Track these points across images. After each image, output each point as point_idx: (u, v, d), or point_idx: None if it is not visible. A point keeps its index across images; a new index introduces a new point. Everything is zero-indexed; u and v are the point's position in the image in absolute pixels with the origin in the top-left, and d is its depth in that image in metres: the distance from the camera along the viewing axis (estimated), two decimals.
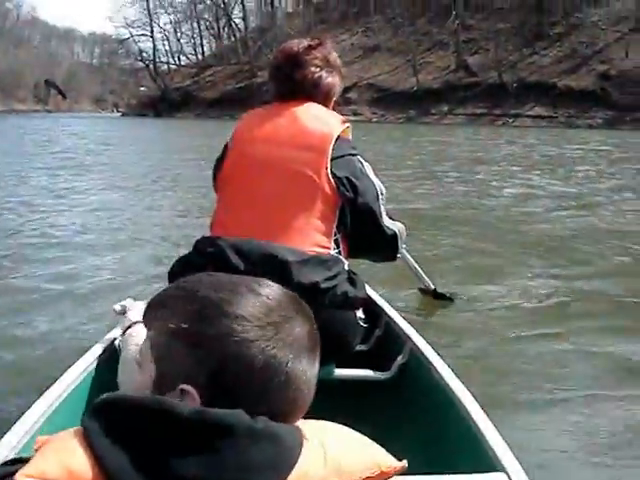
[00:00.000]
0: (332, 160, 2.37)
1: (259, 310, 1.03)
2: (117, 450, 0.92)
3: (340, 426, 1.12)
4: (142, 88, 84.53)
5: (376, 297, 3.09)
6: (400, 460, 1.12)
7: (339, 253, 2.47)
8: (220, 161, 2.57)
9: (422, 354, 2.51)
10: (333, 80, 2.56)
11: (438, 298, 4.94)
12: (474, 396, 2.14)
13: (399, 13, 60.60)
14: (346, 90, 55.07)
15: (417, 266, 4.09)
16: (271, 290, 1.07)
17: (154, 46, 78.76)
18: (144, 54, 78.09)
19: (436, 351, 2.52)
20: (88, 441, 0.94)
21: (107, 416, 0.96)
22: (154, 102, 70.61)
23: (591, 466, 3.11)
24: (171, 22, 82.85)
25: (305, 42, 2.54)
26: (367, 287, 2.99)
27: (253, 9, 75.30)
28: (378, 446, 1.13)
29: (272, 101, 2.60)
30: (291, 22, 66.44)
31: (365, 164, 2.52)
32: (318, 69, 2.50)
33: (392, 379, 2.59)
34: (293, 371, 1.01)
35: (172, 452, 0.93)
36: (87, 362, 2.26)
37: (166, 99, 68.28)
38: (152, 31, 79.19)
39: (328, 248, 2.42)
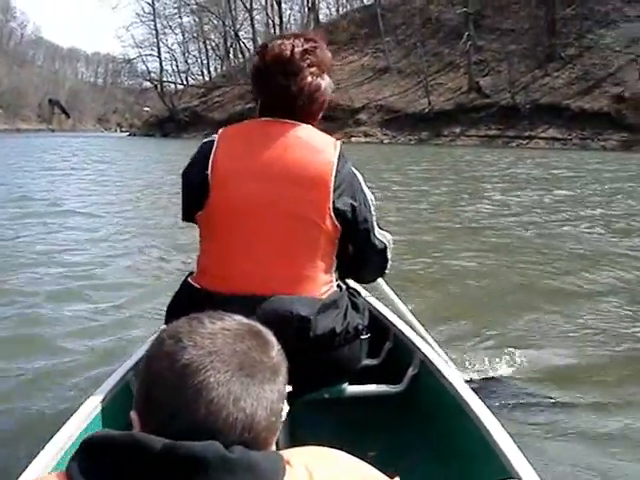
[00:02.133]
0: (334, 191, 2.20)
1: (184, 328, 1.05)
2: None
3: (331, 450, 1.13)
4: (146, 108, 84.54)
5: (382, 308, 3.05)
6: (394, 475, 1.14)
7: (337, 280, 2.40)
8: (195, 193, 2.25)
9: (432, 364, 2.51)
10: (328, 87, 2.37)
11: None
12: (487, 405, 2.15)
13: (409, 34, 60.42)
14: (356, 111, 55.07)
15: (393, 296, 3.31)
16: (223, 317, 1.09)
17: (161, 66, 78.76)
18: (152, 74, 78.00)
19: (446, 361, 2.58)
20: None
21: (88, 456, 0.96)
22: (161, 122, 70.46)
23: (605, 471, 3.12)
24: (178, 42, 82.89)
25: (299, 42, 2.28)
26: (373, 299, 3.11)
27: (261, 30, 75.20)
28: (370, 467, 1.13)
29: (257, 114, 2.36)
30: None
31: (359, 176, 2.35)
32: (316, 76, 2.30)
33: (404, 392, 2.58)
34: (206, 382, 0.99)
35: None
36: (99, 399, 2.20)
37: (174, 119, 68.09)
38: (159, 51, 79.21)
39: (332, 281, 2.33)
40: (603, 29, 51.16)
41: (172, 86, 79.49)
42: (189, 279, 2.38)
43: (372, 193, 2.40)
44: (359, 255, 2.43)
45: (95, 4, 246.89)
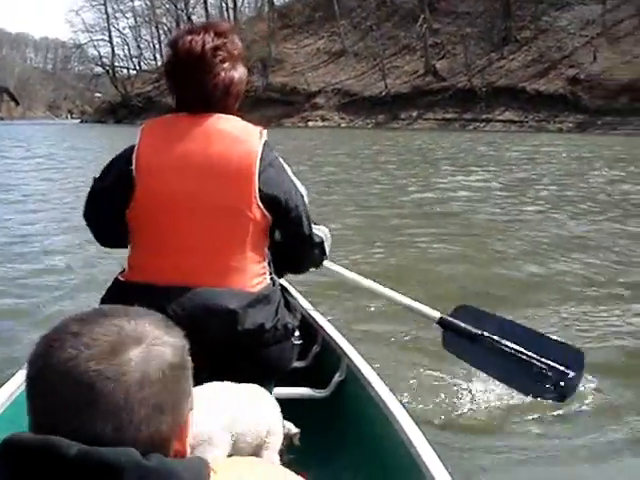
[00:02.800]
0: (259, 178, 2.20)
1: (55, 327, 1.00)
2: None
3: (254, 459, 1.15)
4: (97, 94, 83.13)
5: (312, 311, 3.06)
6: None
7: (271, 273, 2.39)
8: (118, 190, 2.24)
9: (359, 371, 2.52)
10: (242, 77, 2.35)
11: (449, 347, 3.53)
12: (410, 414, 2.16)
13: (365, 17, 60.04)
14: (313, 95, 54.61)
15: (347, 271, 3.21)
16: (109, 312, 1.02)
17: (112, 51, 77.34)
18: (104, 59, 76.49)
19: (373, 367, 2.55)
20: None
21: (3, 458, 0.94)
22: (113, 108, 69.24)
23: None
24: (130, 27, 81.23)
25: (209, 38, 2.26)
26: (303, 300, 3.13)
27: (215, 13, 74.05)
28: (295, 476, 1.13)
29: (175, 109, 2.34)
30: (254, 26, 65.34)
31: (285, 165, 2.36)
32: (229, 71, 2.29)
33: (330, 397, 2.60)
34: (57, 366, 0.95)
35: None
36: (8, 392, 2.17)
37: (127, 105, 66.89)
38: (110, 35, 77.73)
39: (264, 274, 2.33)
40: (558, 11, 51.35)
41: (124, 71, 78.22)
42: (119, 276, 2.37)
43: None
44: (294, 246, 2.44)
45: None
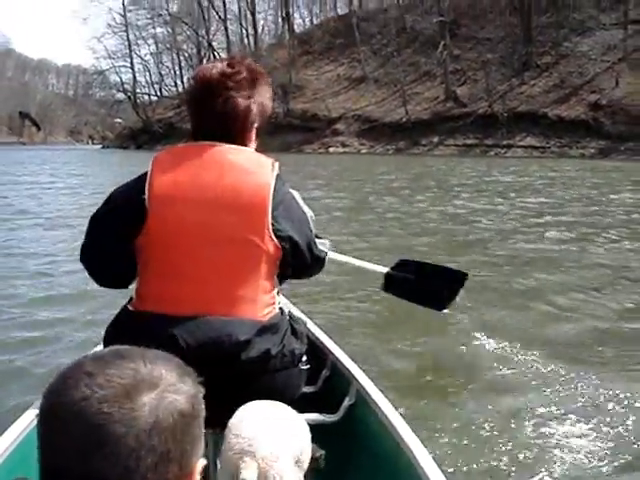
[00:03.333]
0: (272, 212, 2.21)
1: (70, 365, 1.01)
2: None
3: None
4: (118, 120, 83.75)
5: (321, 335, 3.08)
6: None
7: (279, 302, 2.39)
8: (132, 218, 2.21)
9: (369, 396, 2.52)
10: (259, 104, 2.33)
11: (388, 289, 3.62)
12: (422, 441, 2.15)
13: (385, 44, 60.24)
14: (333, 121, 54.68)
15: (351, 258, 3.35)
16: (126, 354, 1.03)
17: (134, 77, 78.02)
18: (126, 85, 77.15)
19: (383, 392, 2.55)
20: None
21: None
22: (134, 134, 69.72)
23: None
24: (151, 53, 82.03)
25: (225, 67, 2.29)
26: (312, 324, 3.14)
27: (234, 39, 74.69)
28: None
29: (191, 137, 2.35)
30: (275, 53, 65.81)
31: (296, 195, 2.38)
32: (244, 100, 2.28)
33: (340, 422, 2.59)
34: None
35: None
36: (23, 426, 2.17)
37: (148, 131, 67.33)
38: (132, 62, 78.47)
39: (274, 304, 2.33)
40: (579, 37, 51.32)
41: (145, 97, 78.82)
42: (128, 306, 2.35)
43: (315, 210, 2.46)
44: (299, 265, 2.43)
45: (66, 15, 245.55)
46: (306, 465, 2.00)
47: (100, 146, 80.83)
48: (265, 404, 2.02)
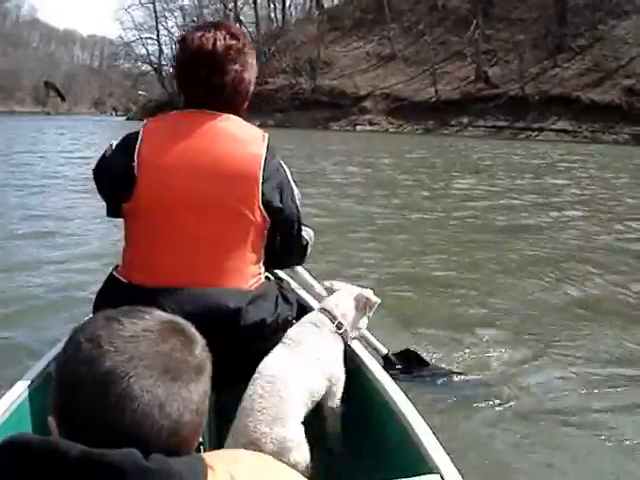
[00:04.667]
0: (262, 184, 2.23)
1: (103, 331, 1.03)
2: None
3: (254, 454, 1.19)
4: (141, 92, 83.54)
5: (309, 299, 3.04)
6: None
7: (266, 270, 2.44)
8: (120, 184, 2.23)
9: (359, 358, 2.54)
10: (251, 79, 2.36)
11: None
12: (409, 398, 2.17)
13: (415, 22, 59.37)
14: (361, 99, 54.03)
15: (313, 281, 3.31)
16: (144, 316, 1.07)
17: (160, 49, 77.55)
18: (152, 57, 76.79)
19: (371, 354, 2.62)
20: None
21: (4, 459, 0.96)
22: (159, 106, 69.29)
23: (526, 468, 3.19)
24: (177, 25, 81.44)
25: (220, 36, 2.27)
26: (300, 290, 3.11)
27: (263, 15, 73.91)
28: (295, 473, 1.18)
29: (184, 107, 2.33)
30: (303, 28, 65.11)
31: (286, 169, 2.40)
32: (239, 71, 2.29)
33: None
34: (130, 390, 0.99)
35: None
36: (18, 392, 2.19)
37: (172, 104, 66.98)
38: (158, 34, 78.02)
39: (260, 274, 2.38)
40: (615, 20, 50.23)
41: (171, 70, 78.32)
42: (114, 273, 2.36)
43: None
44: (285, 247, 2.45)
45: None
46: (340, 391, 2.40)
47: (125, 118, 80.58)
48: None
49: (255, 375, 2.17)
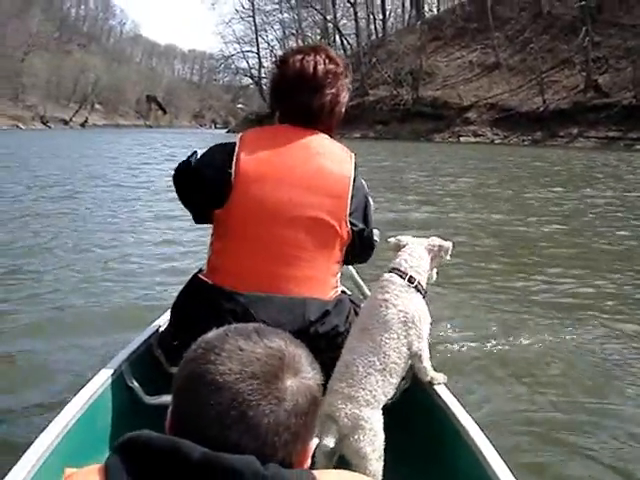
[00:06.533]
0: (351, 200, 2.34)
1: (217, 335, 1.09)
2: None
3: (362, 477, 1.19)
4: (240, 105, 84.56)
5: None
6: None
7: (342, 284, 2.57)
8: (215, 191, 2.31)
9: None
10: (345, 99, 2.45)
11: None
12: (475, 420, 2.19)
13: (520, 30, 57.84)
14: (465, 110, 52.92)
15: (363, 285, 3.58)
16: (260, 340, 1.08)
17: (260, 63, 78.33)
18: (252, 71, 77.62)
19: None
20: (107, 479, 0.97)
21: (127, 455, 0.99)
22: (260, 119, 69.92)
23: None
24: (277, 39, 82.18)
25: (320, 60, 2.37)
26: None
27: (363, 26, 73.66)
28: None
29: (277, 121, 2.44)
30: (403, 38, 64.43)
31: (365, 185, 2.49)
32: (336, 94, 2.39)
33: (396, 404, 2.56)
34: (254, 412, 1.01)
35: None
36: (93, 389, 2.27)
37: (273, 117, 67.43)
38: (258, 47, 78.85)
39: (338, 286, 2.47)
40: None
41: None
42: (199, 275, 2.43)
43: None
44: (360, 253, 2.56)
45: (193, 2, 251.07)
46: (426, 332, 2.47)
47: (225, 130, 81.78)
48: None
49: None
